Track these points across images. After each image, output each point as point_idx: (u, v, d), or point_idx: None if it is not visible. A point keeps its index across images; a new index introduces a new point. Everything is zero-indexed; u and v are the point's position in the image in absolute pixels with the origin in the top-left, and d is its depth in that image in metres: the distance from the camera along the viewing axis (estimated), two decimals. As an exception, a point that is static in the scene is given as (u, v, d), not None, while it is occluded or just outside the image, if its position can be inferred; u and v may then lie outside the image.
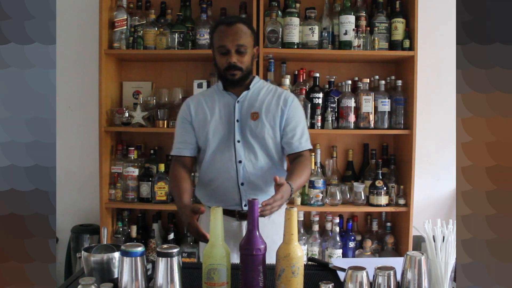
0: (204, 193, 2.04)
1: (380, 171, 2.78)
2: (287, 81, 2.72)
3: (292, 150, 1.96)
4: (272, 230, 1.79)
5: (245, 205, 1.94)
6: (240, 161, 1.92)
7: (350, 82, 2.81)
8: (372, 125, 2.77)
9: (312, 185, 2.74)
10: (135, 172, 2.78)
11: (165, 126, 2.79)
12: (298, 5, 2.80)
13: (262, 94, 1.99)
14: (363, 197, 2.79)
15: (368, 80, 2.80)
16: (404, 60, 2.85)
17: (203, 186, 2.03)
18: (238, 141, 1.93)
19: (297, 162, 1.95)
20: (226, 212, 1.91)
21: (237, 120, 1.94)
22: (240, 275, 1.34)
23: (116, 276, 1.38)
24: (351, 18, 2.74)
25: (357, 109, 2.77)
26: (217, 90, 2.02)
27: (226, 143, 1.94)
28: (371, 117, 2.76)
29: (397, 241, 2.90)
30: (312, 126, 2.75)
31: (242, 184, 1.93)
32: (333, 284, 1.28)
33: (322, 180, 2.76)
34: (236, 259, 1.87)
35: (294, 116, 1.97)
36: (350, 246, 2.80)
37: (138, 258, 1.30)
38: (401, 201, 2.79)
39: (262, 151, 1.95)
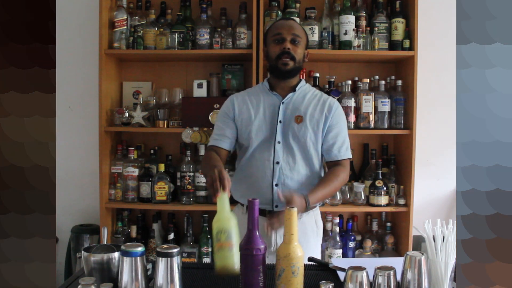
0: (238, 189, 2.02)
1: (380, 171, 2.78)
2: (287, 81, 2.72)
3: (330, 158, 1.98)
4: (300, 231, 1.81)
5: (276, 206, 1.93)
6: (277, 162, 1.93)
7: (350, 82, 2.80)
8: (372, 125, 2.77)
9: (312, 185, 2.74)
10: (135, 172, 2.78)
11: (165, 126, 2.79)
12: (298, 5, 2.80)
13: (307, 98, 2.00)
14: (363, 197, 2.78)
15: (368, 80, 2.80)
16: (404, 60, 2.85)
17: (238, 182, 2.02)
18: (279, 142, 1.94)
19: (330, 172, 1.97)
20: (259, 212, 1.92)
21: (280, 121, 1.95)
22: (240, 275, 1.34)
23: (116, 276, 1.38)
24: (351, 18, 2.74)
25: (357, 109, 2.77)
26: (263, 89, 2.04)
27: (267, 143, 1.95)
28: (371, 117, 2.76)
29: (397, 241, 2.90)
30: (312, 126, 2.75)
31: (277, 185, 1.93)
32: (333, 284, 1.28)
33: (322, 180, 2.75)
34: None
35: (337, 124, 1.98)
36: (350, 246, 2.80)
37: (138, 258, 1.30)
38: (401, 201, 2.79)
39: (302, 156, 1.95)
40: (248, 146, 1.99)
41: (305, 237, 1.94)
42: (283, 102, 1.98)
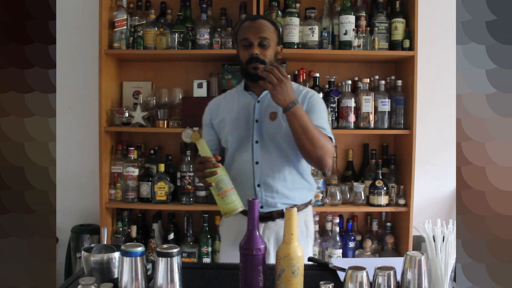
0: None
1: (380, 171, 2.78)
2: (287, 81, 2.72)
3: None
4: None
5: (261, 207, 1.92)
6: (257, 162, 1.91)
7: (350, 82, 2.81)
8: (372, 125, 2.77)
9: (312, 185, 2.74)
10: (135, 172, 2.78)
11: (165, 126, 2.79)
12: (298, 5, 2.80)
13: None
14: (363, 197, 2.78)
15: (368, 80, 2.80)
16: (404, 60, 2.85)
17: None
18: (257, 142, 1.91)
19: None
20: (244, 212, 1.88)
21: (256, 121, 1.92)
22: (240, 275, 1.34)
23: (116, 276, 1.38)
24: (351, 18, 2.74)
25: (357, 109, 2.77)
26: (239, 91, 2.02)
27: (245, 144, 1.92)
28: (371, 117, 2.76)
29: (397, 241, 2.90)
30: (312, 126, 2.74)
31: (259, 185, 1.91)
32: (333, 284, 1.28)
33: (322, 180, 2.76)
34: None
35: (312, 110, 1.89)
36: (350, 246, 2.80)
37: (138, 258, 1.30)
38: (401, 201, 2.79)
39: (278, 152, 1.91)
40: (227, 148, 1.97)
41: (302, 240, 1.93)
42: (258, 101, 1.94)
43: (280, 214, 1.92)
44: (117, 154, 2.87)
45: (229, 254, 1.96)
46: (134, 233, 2.77)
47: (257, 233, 1.34)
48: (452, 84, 2.83)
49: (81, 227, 2.89)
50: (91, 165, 2.92)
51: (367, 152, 2.96)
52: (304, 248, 1.96)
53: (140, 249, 1.31)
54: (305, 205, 2.01)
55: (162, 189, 2.75)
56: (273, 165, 1.91)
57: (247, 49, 1.88)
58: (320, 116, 1.90)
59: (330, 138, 1.87)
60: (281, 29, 2.71)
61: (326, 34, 2.74)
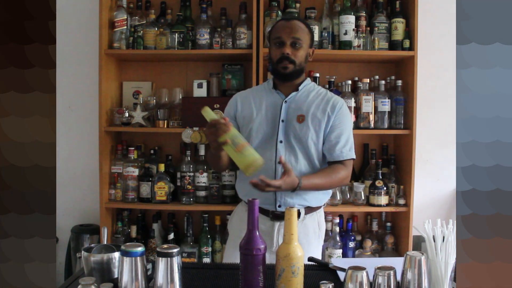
0: (242, 188, 2.04)
1: (380, 171, 2.77)
2: (287, 81, 2.72)
3: (332, 158, 1.95)
4: (302, 234, 1.86)
5: (279, 206, 1.94)
6: (279, 162, 1.91)
7: (350, 82, 2.80)
8: (372, 125, 2.77)
9: (312, 185, 2.74)
10: (135, 172, 2.78)
11: (165, 126, 2.79)
12: (298, 5, 2.80)
13: (311, 97, 1.99)
14: (363, 197, 2.78)
15: (368, 80, 2.80)
16: (404, 60, 2.85)
17: (242, 181, 2.02)
18: (281, 142, 1.93)
19: (330, 167, 1.95)
20: (261, 211, 1.94)
21: (282, 120, 1.95)
22: (240, 275, 1.34)
23: (116, 276, 1.38)
24: (351, 18, 2.74)
25: (357, 109, 2.77)
26: (266, 88, 2.05)
27: (269, 142, 1.94)
28: (371, 117, 2.76)
29: (397, 241, 2.90)
30: (312, 126, 2.75)
31: None
32: (333, 284, 1.28)
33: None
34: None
35: (340, 123, 1.96)
36: (350, 246, 2.80)
37: (138, 258, 1.30)
38: (401, 201, 2.79)
39: (303, 155, 1.94)
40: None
41: (307, 239, 1.94)
42: (285, 101, 1.97)
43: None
44: (117, 154, 2.87)
45: (236, 254, 1.97)
46: (134, 233, 2.77)
47: (257, 233, 1.34)
48: (452, 84, 2.84)
49: (81, 227, 2.89)
50: (91, 165, 2.92)
51: (367, 152, 2.96)
52: (316, 247, 2.01)
53: (140, 249, 1.31)
54: (319, 207, 2.04)
55: (162, 189, 2.75)
56: (295, 166, 1.92)
57: (279, 48, 1.92)
58: (345, 131, 1.96)
59: (348, 160, 1.96)
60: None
61: (326, 34, 2.74)
